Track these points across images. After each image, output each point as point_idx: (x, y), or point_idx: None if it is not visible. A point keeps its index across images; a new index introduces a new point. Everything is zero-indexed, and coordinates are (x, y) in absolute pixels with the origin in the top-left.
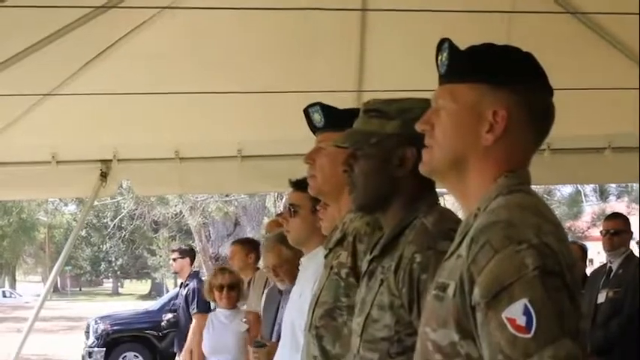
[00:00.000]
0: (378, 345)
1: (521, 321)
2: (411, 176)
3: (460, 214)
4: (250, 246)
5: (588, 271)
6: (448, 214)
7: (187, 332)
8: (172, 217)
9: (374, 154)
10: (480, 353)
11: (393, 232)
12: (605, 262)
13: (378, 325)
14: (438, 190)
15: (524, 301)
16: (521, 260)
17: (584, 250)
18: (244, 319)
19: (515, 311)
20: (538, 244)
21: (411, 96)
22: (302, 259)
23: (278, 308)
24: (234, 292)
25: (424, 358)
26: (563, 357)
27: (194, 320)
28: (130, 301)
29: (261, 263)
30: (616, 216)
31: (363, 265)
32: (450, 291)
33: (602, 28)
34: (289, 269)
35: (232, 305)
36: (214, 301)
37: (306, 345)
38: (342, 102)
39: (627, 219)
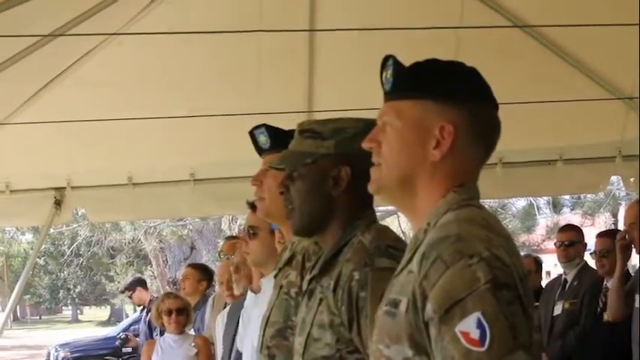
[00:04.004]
0: None
1: (475, 334)
2: (347, 196)
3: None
4: (204, 274)
5: (544, 283)
6: (386, 232)
7: None
8: (128, 243)
9: (309, 175)
10: None
11: (332, 252)
12: (560, 273)
13: (319, 344)
14: (390, 208)
15: (477, 314)
16: (472, 274)
17: (538, 263)
18: (193, 344)
19: (468, 325)
20: (489, 257)
21: (362, 115)
22: (262, 280)
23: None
24: (183, 316)
25: None
26: None
27: (144, 346)
28: (90, 327)
29: (216, 288)
30: (570, 227)
31: (303, 285)
32: (402, 307)
33: (550, 41)
34: (249, 272)
35: (181, 330)
36: (162, 326)
37: None
38: (293, 123)
39: (581, 230)
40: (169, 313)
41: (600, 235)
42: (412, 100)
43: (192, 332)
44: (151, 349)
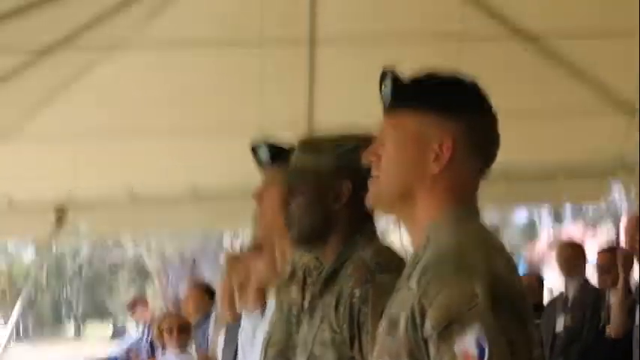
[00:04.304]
0: None
1: (474, 352)
2: (348, 210)
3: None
4: (205, 291)
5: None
6: (387, 248)
7: None
8: (130, 260)
9: (309, 190)
10: None
11: (333, 267)
12: (562, 290)
13: None
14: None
15: (476, 331)
16: (471, 291)
17: (540, 280)
18: None
19: (467, 342)
20: (488, 273)
21: (362, 128)
22: (268, 299)
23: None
24: (184, 334)
25: None
26: None
27: None
28: (92, 343)
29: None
30: (570, 245)
31: (305, 303)
32: (402, 323)
33: (550, 52)
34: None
35: (183, 347)
36: (164, 344)
37: None
38: (294, 138)
39: (581, 246)
40: (170, 331)
41: (601, 251)
42: (411, 114)
43: (193, 350)
44: None
